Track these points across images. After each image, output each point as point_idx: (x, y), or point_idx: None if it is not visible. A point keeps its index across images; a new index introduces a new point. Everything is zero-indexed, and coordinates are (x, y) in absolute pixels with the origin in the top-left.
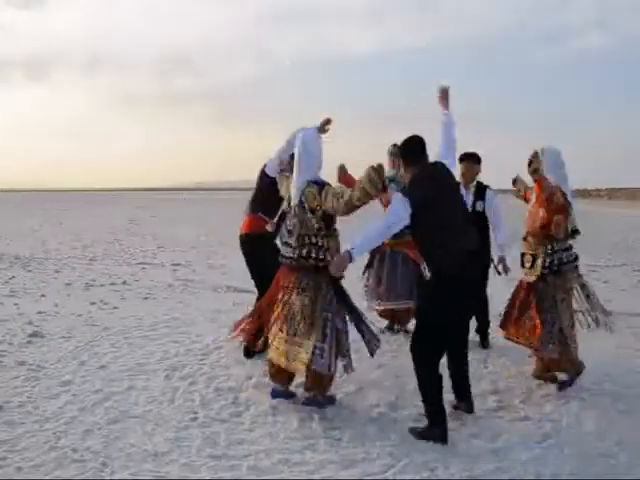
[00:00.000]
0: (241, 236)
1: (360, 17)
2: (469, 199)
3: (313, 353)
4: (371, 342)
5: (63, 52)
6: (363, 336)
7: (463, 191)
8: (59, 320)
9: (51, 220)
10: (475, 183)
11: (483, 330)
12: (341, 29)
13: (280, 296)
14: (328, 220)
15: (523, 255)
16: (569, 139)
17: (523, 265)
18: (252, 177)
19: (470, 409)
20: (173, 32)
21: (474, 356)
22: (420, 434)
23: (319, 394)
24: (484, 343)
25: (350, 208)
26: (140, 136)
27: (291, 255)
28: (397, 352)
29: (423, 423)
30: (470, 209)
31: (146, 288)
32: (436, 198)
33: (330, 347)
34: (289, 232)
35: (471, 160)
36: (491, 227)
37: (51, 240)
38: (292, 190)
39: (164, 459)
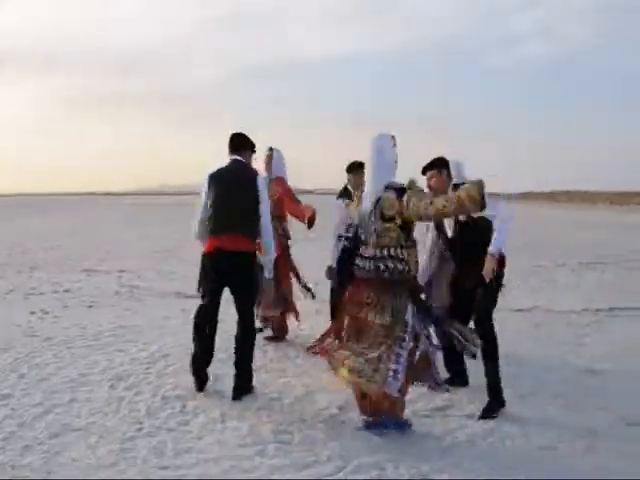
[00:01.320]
0: (239, 254)
1: (320, 20)
2: None
3: (387, 375)
4: (467, 346)
5: (15, 50)
6: (458, 342)
7: None
8: None
9: None
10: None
11: None
12: (303, 31)
13: (355, 312)
14: (407, 230)
15: None
16: (513, 144)
17: None
18: None
19: (466, 383)
20: (132, 32)
21: None
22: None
23: (386, 416)
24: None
25: (439, 216)
26: (95, 138)
27: (367, 268)
28: None
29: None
30: None
31: (90, 296)
32: None
33: (403, 368)
34: (363, 244)
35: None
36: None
37: None
38: (364, 199)
39: (108, 472)
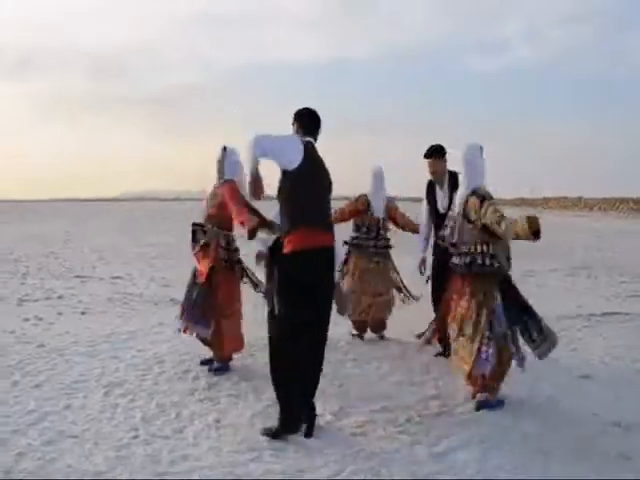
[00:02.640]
0: (332, 250)
1: (301, 24)
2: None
3: (477, 357)
4: (542, 345)
5: None
6: (533, 336)
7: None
8: None
9: None
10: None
11: None
12: (280, 35)
13: (454, 302)
14: (490, 230)
15: None
16: (505, 149)
17: None
18: (192, 188)
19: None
20: (108, 34)
21: (419, 362)
22: None
23: (491, 396)
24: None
25: (504, 237)
26: (73, 142)
27: (461, 264)
28: (341, 361)
29: (366, 431)
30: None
31: (84, 302)
32: None
33: (493, 351)
34: (455, 241)
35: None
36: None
37: None
38: (456, 201)
39: (104, 479)
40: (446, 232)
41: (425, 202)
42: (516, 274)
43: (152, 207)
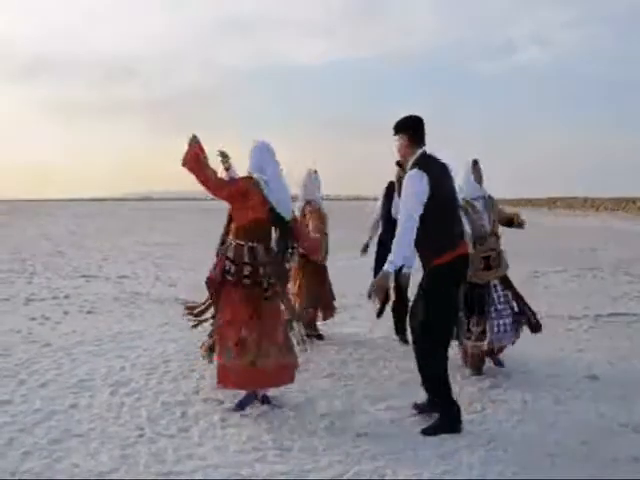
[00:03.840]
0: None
1: (308, 27)
2: None
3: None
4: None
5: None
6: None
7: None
8: None
9: None
10: None
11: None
12: (289, 39)
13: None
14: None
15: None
16: (508, 151)
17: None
18: (200, 189)
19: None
20: (116, 39)
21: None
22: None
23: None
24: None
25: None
26: (80, 145)
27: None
28: (345, 361)
29: (371, 431)
30: None
31: (90, 302)
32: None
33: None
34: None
35: None
36: None
37: None
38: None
39: (110, 478)
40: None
41: (380, 203)
42: (523, 275)
43: (158, 207)
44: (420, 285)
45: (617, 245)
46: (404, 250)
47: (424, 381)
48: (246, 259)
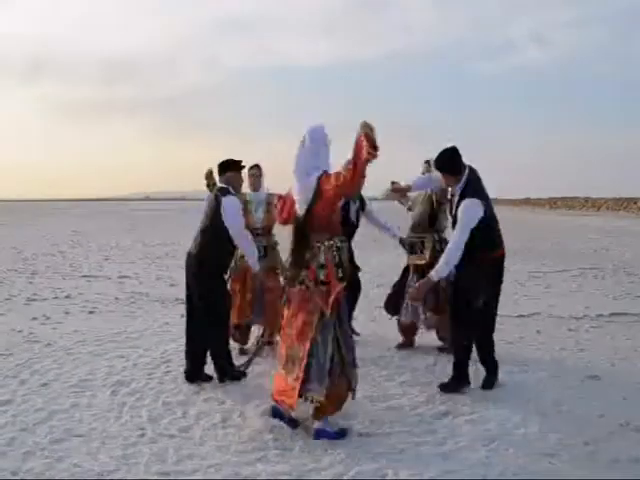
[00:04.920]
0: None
1: (309, 28)
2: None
3: None
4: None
5: (1, 56)
6: None
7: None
8: None
9: None
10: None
11: None
12: (290, 39)
13: None
14: None
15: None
16: (507, 151)
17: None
18: (201, 188)
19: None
20: (116, 39)
21: (424, 361)
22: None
23: None
24: None
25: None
26: (83, 146)
27: None
28: None
29: (372, 431)
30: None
31: (91, 302)
32: None
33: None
34: None
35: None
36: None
37: None
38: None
39: (110, 478)
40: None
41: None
42: (524, 275)
43: (159, 207)
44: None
45: (618, 245)
46: (450, 268)
47: (485, 352)
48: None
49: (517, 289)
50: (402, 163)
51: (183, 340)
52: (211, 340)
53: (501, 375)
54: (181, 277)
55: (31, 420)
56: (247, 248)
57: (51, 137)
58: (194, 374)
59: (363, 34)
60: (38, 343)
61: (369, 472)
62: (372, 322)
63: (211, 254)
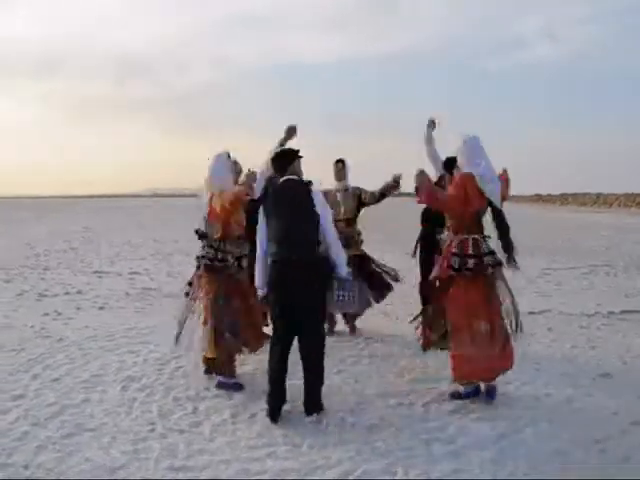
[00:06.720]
0: None
1: (317, 25)
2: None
3: None
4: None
5: (14, 56)
6: None
7: None
8: (10, 332)
9: (0, 228)
10: None
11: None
12: (299, 36)
13: None
14: None
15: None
16: (521, 148)
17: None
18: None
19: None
20: (127, 38)
21: (435, 359)
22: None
23: None
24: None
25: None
26: (95, 143)
27: None
28: (357, 357)
29: (382, 427)
30: None
31: (102, 297)
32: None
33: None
34: None
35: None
36: None
37: (1, 249)
38: None
39: (121, 473)
40: None
41: None
42: (535, 272)
43: (170, 203)
44: None
45: (630, 242)
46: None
47: None
48: (470, 251)
49: (528, 286)
50: (411, 161)
51: (194, 335)
52: (319, 362)
53: (511, 372)
54: (191, 272)
55: (43, 414)
56: (336, 240)
57: (64, 135)
58: (280, 408)
59: (376, 29)
60: (50, 338)
61: (378, 470)
62: (382, 319)
63: (319, 252)
